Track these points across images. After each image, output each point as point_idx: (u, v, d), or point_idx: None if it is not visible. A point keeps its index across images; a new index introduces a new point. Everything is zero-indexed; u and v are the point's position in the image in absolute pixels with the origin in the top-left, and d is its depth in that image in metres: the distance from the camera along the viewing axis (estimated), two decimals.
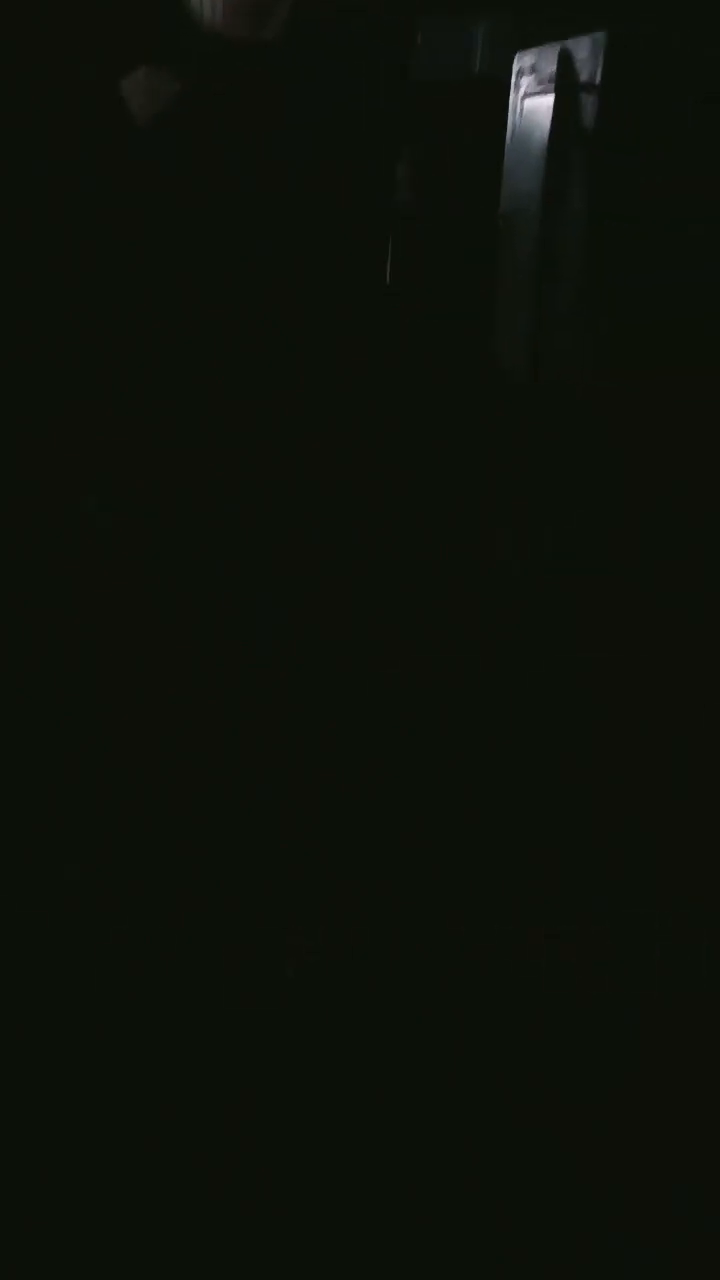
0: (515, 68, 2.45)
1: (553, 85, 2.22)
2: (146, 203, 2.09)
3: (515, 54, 2.44)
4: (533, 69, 2.36)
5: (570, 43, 2.14)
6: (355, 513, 2.34)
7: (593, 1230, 1.24)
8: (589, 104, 2.09)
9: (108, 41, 2.02)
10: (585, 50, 2.10)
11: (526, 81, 2.40)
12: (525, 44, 2.45)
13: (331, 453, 2.26)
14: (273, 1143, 1.33)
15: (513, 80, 2.47)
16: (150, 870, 1.80)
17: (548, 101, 2.23)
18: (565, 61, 2.16)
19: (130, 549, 2.29)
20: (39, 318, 2.12)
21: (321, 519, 2.31)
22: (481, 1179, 1.30)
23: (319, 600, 2.37)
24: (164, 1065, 1.43)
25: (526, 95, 2.40)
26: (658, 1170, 1.32)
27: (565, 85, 2.15)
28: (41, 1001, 1.52)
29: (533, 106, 2.35)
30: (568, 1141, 1.35)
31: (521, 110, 2.43)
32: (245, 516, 2.32)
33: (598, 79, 2.05)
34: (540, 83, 2.32)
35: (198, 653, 2.26)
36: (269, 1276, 1.18)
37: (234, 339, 2.16)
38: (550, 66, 2.24)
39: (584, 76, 2.11)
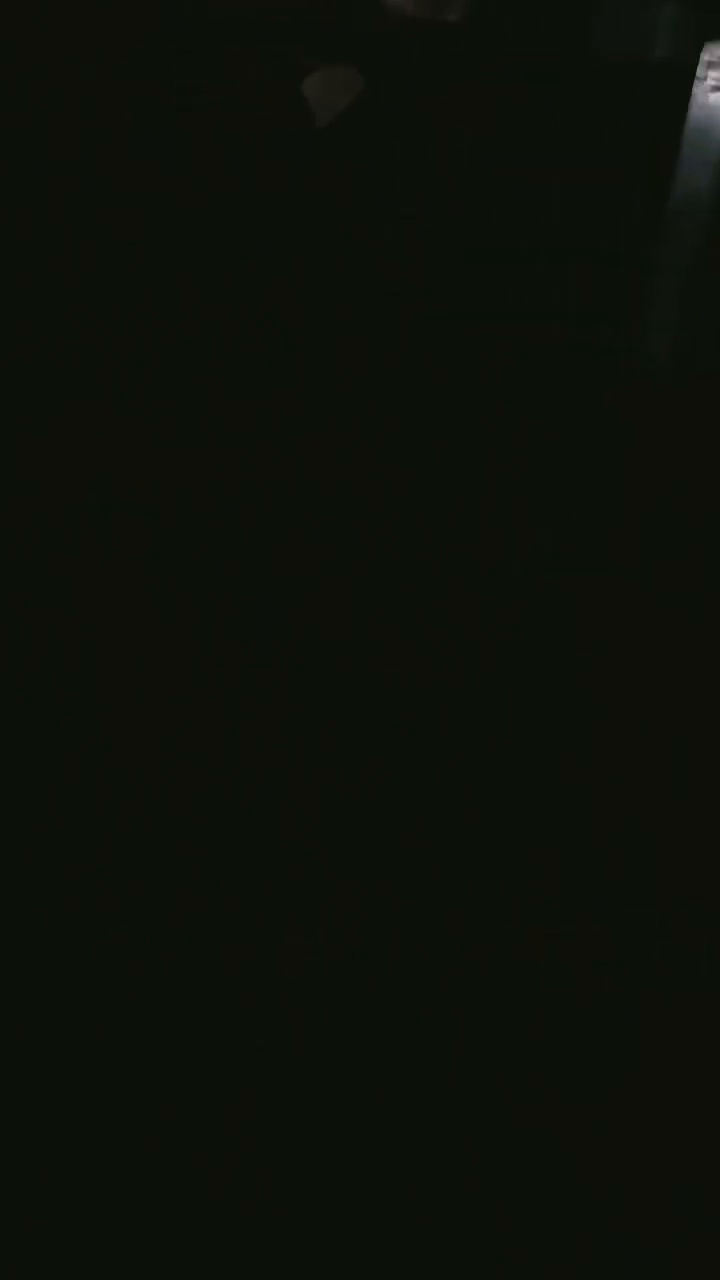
0: (704, 59, 2.42)
1: None
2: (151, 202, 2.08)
3: (705, 45, 2.41)
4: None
5: None
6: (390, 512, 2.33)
7: (593, 1230, 1.24)
8: None
9: (107, 40, 2.02)
10: None
11: (714, 75, 2.38)
12: (715, 36, 2.42)
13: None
14: (273, 1143, 1.33)
15: (699, 71, 2.43)
16: (150, 870, 1.80)
17: None
18: None
19: (131, 548, 2.29)
20: (38, 318, 2.12)
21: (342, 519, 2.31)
22: (481, 1179, 1.30)
23: (319, 598, 2.36)
24: (163, 1065, 1.43)
25: (713, 89, 2.38)
26: (658, 1170, 1.32)
27: None
28: (41, 1001, 1.52)
29: (717, 101, 2.34)
30: (568, 1141, 1.35)
31: (704, 103, 2.41)
32: (245, 516, 2.32)
33: None
34: None
35: (198, 653, 2.26)
36: (269, 1276, 1.18)
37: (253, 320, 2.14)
38: None
39: None
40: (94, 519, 2.28)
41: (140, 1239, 1.19)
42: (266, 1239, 1.20)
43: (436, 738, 2.20)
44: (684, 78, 2.39)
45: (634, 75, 2.37)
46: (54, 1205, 1.22)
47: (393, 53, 1.90)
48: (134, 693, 2.17)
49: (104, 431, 2.22)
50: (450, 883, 1.82)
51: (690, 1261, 1.20)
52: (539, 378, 2.28)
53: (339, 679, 2.30)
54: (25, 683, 2.15)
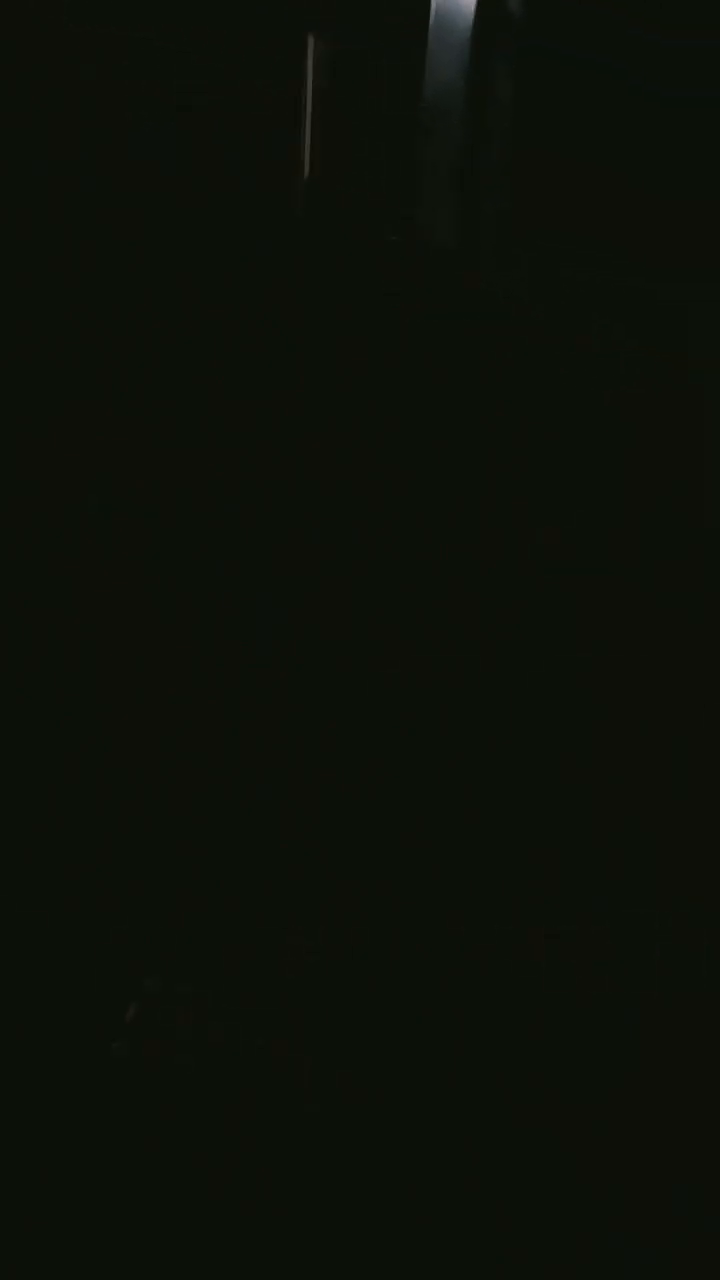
0: None
1: None
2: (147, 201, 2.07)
3: None
4: None
5: None
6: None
7: (593, 1230, 1.24)
8: None
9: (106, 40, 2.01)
10: None
11: None
12: None
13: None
14: (272, 1143, 1.33)
15: None
16: (149, 871, 1.80)
17: None
18: None
19: (130, 548, 2.29)
20: (38, 318, 2.12)
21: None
22: (481, 1179, 1.30)
23: (319, 598, 2.37)
24: (163, 1065, 1.43)
25: None
26: (658, 1170, 1.32)
27: None
28: (41, 1001, 1.52)
29: None
30: (568, 1141, 1.35)
31: None
32: (245, 516, 2.32)
33: None
34: None
35: (198, 653, 2.26)
36: (269, 1276, 1.18)
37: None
38: None
39: None
40: (93, 519, 2.28)
41: (140, 1239, 1.19)
42: (267, 1239, 1.20)
43: (436, 738, 2.20)
44: None
45: None
46: (54, 1205, 1.22)
47: None
48: (134, 693, 2.17)
49: (103, 432, 2.22)
50: (450, 883, 1.83)
51: (690, 1261, 1.20)
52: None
53: (339, 679, 2.30)
54: (25, 684, 2.15)
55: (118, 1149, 1.29)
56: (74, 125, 2.06)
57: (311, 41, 2.22)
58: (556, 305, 2.03)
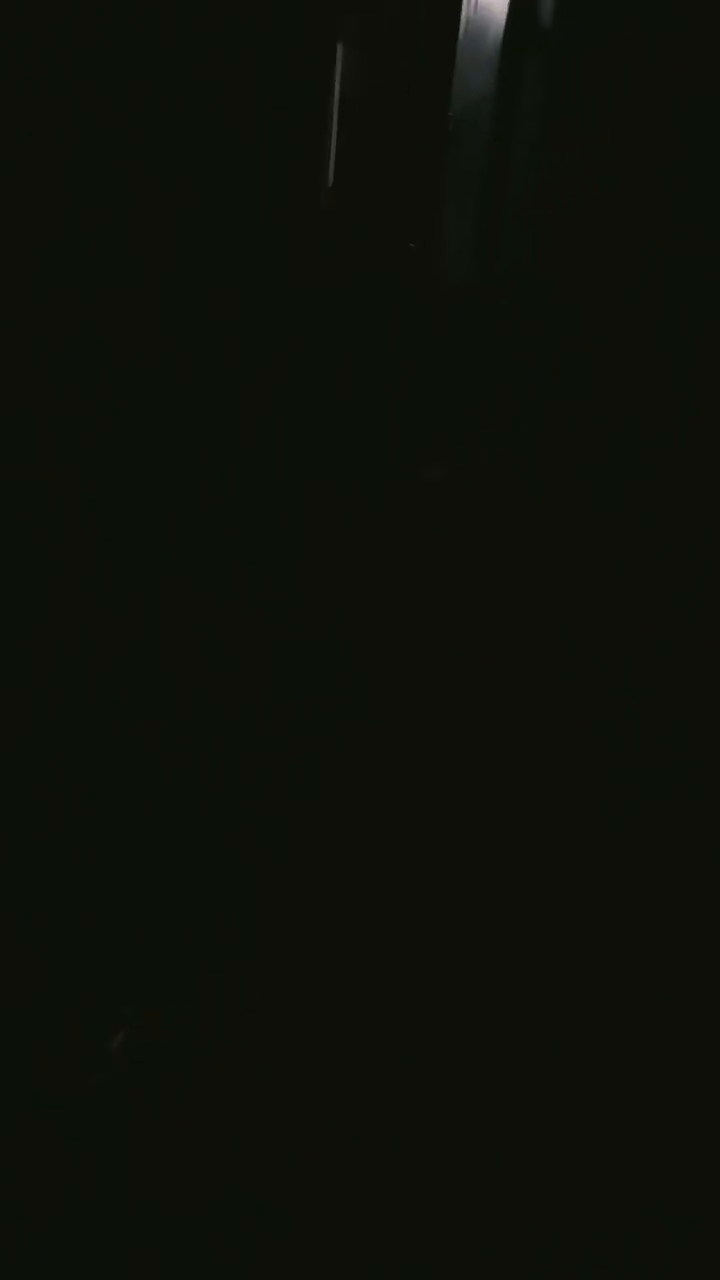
0: None
1: None
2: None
3: None
4: None
5: None
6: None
7: (592, 1230, 1.24)
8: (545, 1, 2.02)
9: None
10: None
11: None
12: None
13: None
14: (273, 1143, 1.33)
15: None
16: (149, 870, 1.80)
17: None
18: None
19: (131, 548, 2.29)
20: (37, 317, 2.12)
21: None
22: (481, 1179, 1.30)
23: (319, 599, 2.36)
24: (163, 1065, 1.43)
25: None
26: (657, 1170, 1.31)
27: None
28: (41, 1001, 1.53)
29: (488, 2, 2.24)
30: (568, 1141, 1.35)
31: (476, 5, 2.31)
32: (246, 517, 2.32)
33: None
34: None
35: (198, 651, 2.26)
36: (269, 1276, 1.18)
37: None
38: None
39: None
40: (95, 519, 2.29)
41: (140, 1238, 1.19)
42: (266, 1238, 1.20)
43: (436, 737, 2.20)
44: None
45: None
46: (54, 1206, 1.22)
47: None
48: (135, 691, 2.17)
49: (105, 430, 2.22)
50: (450, 883, 1.82)
51: (690, 1261, 1.20)
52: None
53: (340, 676, 2.30)
54: (26, 683, 2.15)
55: (118, 1149, 1.30)
56: (96, 125, 2.05)
57: (340, 50, 2.22)
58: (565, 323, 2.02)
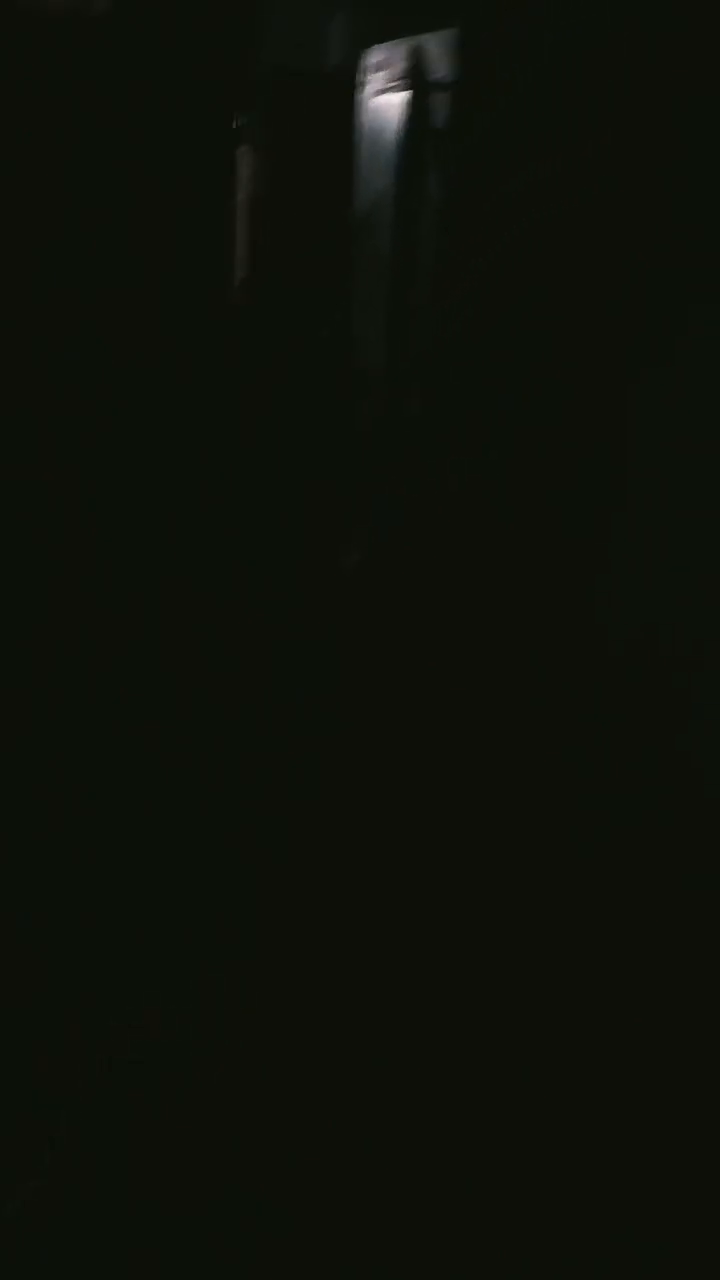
0: (365, 64, 2.37)
1: (403, 82, 2.17)
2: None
3: (364, 50, 2.36)
4: (381, 65, 2.30)
5: (421, 39, 2.09)
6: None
7: (593, 1230, 1.24)
8: (439, 102, 2.06)
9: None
10: (435, 47, 2.06)
11: (376, 78, 2.34)
12: (373, 40, 2.36)
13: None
14: (273, 1143, 1.33)
15: (362, 77, 2.38)
16: (149, 870, 1.80)
17: (398, 99, 2.19)
18: (416, 58, 2.12)
19: (131, 551, 2.28)
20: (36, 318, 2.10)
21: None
22: (481, 1180, 1.30)
23: (318, 602, 2.36)
24: (163, 1065, 1.43)
25: (377, 92, 2.34)
26: (658, 1170, 1.31)
27: (416, 83, 2.11)
28: (41, 1001, 1.53)
29: (384, 104, 2.30)
30: (568, 1141, 1.35)
31: (372, 108, 2.36)
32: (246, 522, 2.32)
33: (447, 76, 2.01)
34: (390, 80, 2.26)
35: (198, 652, 2.26)
36: (269, 1276, 1.18)
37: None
38: (401, 63, 2.19)
39: (435, 74, 2.08)
40: (94, 521, 2.28)
41: (140, 1238, 1.19)
42: (267, 1238, 1.20)
43: (436, 738, 2.19)
44: (348, 85, 2.36)
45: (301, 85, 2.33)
46: (54, 1206, 1.22)
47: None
48: (134, 692, 2.17)
49: (104, 431, 2.21)
50: (450, 883, 1.82)
51: (690, 1261, 1.19)
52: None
53: (339, 677, 2.29)
54: (27, 683, 2.14)
55: (118, 1149, 1.29)
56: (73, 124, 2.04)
57: (244, 154, 2.26)
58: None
